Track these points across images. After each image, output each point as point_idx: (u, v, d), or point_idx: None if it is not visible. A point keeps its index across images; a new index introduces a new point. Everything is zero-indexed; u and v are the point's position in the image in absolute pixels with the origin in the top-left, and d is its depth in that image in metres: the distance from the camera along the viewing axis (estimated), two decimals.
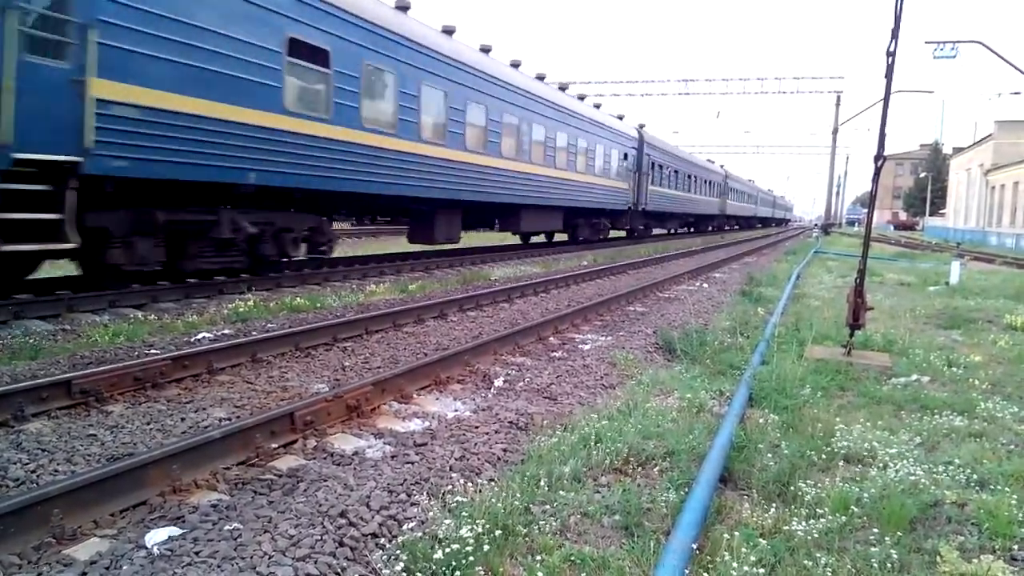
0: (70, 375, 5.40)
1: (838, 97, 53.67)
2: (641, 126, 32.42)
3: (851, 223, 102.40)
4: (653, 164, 31.95)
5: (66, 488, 3.42)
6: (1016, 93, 44.93)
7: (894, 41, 7.00)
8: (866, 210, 8.96)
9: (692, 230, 48.34)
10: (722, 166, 54.32)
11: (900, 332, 8.84)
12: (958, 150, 72.19)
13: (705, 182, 45.18)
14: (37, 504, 3.28)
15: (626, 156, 28.74)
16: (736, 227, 63.86)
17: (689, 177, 40.10)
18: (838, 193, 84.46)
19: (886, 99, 7.29)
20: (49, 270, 12.83)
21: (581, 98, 27.27)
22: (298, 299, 10.41)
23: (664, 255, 22.95)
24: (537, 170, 20.73)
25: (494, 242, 26.29)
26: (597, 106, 28.61)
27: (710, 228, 51.94)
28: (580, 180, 24.09)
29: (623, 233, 33.59)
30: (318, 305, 10.22)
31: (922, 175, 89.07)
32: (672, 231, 44.75)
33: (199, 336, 7.77)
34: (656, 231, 40.46)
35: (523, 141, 19.85)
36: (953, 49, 28.41)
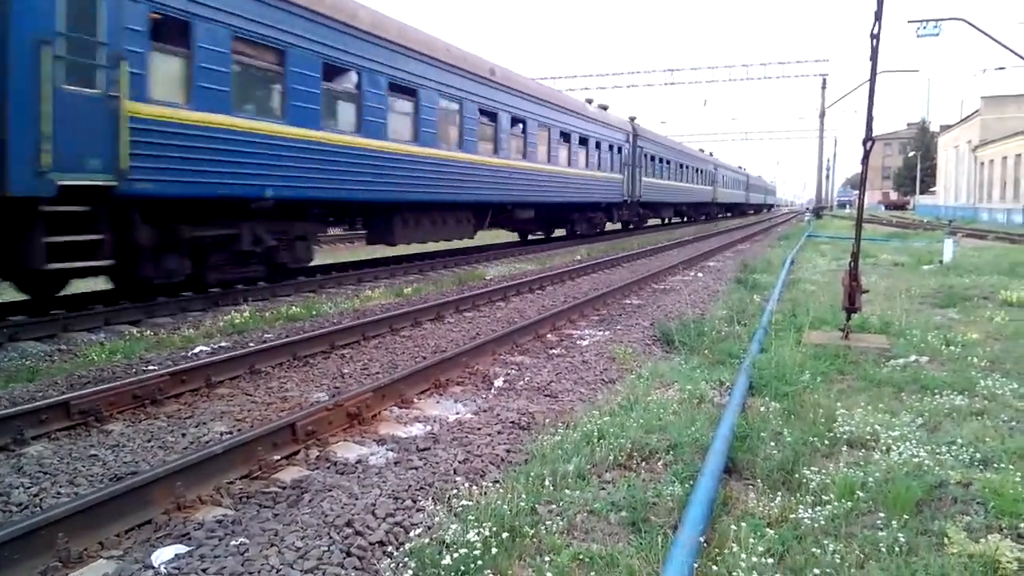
0: (68, 396, 5.37)
1: (824, 80, 53.81)
2: None
3: (842, 205, 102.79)
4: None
5: (70, 511, 3.40)
6: (1001, 68, 45.17)
7: (878, 23, 7.00)
8: (856, 191, 8.97)
9: (574, 233, 26.76)
10: (632, 119, 31.58)
11: (896, 313, 8.85)
12: (945, 128, 72.47)
13: (584, 144, 24.70)
14: (41, 528, 3.26)
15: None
16: (675, 220, 45.17)
17: (516, 124, 19.91)
18: (828, 176, 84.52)
19: (872, 82, 7.29)
20: None
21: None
22: (294, 308, 10.38)
23: (658, 246, 22.94)
24: None
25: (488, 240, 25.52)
26: None
27: (612, 224, 30.80)
28: None
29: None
30: (314, 313, 10.20)
31: (911, 154, 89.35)
32: (541, 237, 26.21)
33: (196, 350, 7.74)
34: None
35: None
36: (936, 27, 28.47)
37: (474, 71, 17.56)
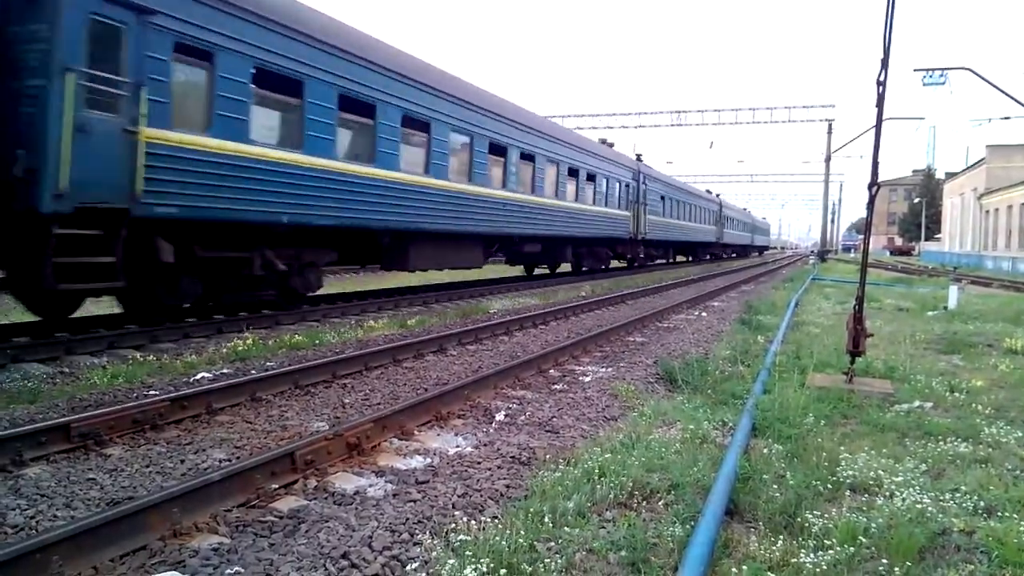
0: (69, 418, 5.37)
1: (829, 125, 54.22)
2: None
3: (847, 249, 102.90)
4: None
5: (65, 534, 3.38)
6: (1006, 118, 45.40)
7: (884, 71, 7.09)
8: (861, 236, 9.02)
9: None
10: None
11: (901, 358, 8.83)
12: (951, 175, 72.78)
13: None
14: (36, 551, 3.24)
15: None
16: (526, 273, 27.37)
17: None
18: (833, 220, 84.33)
19: (878, 128, 7.36)
20: None
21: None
22: (297, 336, 10.38)
23: (663, 284, 22.94)
24: None
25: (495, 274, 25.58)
26: None
27: None
28: None
29: None
30: (317, 342, 10.20)
31: (916, 201, 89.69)
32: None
33: (198, 376, 7.74)
34: None
35: None
36: (942, 76, 28.79)
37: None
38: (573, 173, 24.15)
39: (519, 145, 19.65)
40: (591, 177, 25.90)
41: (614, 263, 32.53)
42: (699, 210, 45.27)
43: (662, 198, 35.59)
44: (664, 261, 42.19)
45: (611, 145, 32.22)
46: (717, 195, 56.10)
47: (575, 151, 24.58)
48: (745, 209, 77.32)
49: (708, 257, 52.11)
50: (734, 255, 61.24)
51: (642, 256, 34.06)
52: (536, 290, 20.41)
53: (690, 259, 48.74)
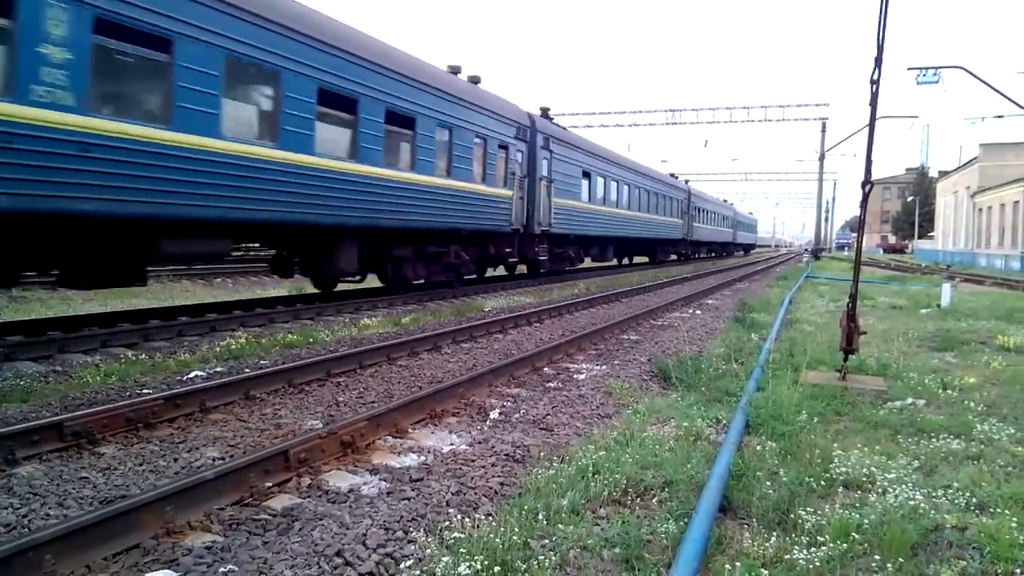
0: (62, 417, 5.34)
1: (823, 124, 54.22)
2: None
3: (841, 247, 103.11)
4: None
5: (58, 533, 3.37)
6: (999, 116, 45.53)
7: (877, 69, 7.11)
8: (855, 234, 9.04)
9: None
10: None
11: (894, 355, 8.85)
12: (944, 173, 73.04)
13: None
14: (28, 550, 3.23)
15: None
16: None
17: None
18: (827, 218, 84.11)
19: (871, 126, 7.38)
20: (41, 310, 12.79)
21: None
22: (291, 335, 10.36)
23: (658, 283, 22.96)
24: None
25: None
26: None
27: None
28: None
29: None
30: (311, 340, 10.18)
31: (909, 199, 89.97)
32: None
33: (191, 375, 7.72)
34: None
35: None
36: (936, 75, 28.88)
37: None
38: (346, 106, 12.64)
39: (185, 34, 9.14)
40: (405, 122, 14.37)
41: (519, 268, 23.08)
42: (655, 197, 33.54)
43: (586, 175, 24.79)
44: (615, 263, 32.79)
45: (477, 81, 18.61)
46: (685, 181, 45.13)
47: (357, 65, 12.60)
48: (726, 200, 66.99)
49: (674, 258, 42.53)
50: (712, 255, 52.69)
51: (543, 258, 22.31)
52: (531, 288, 20.41)
53: (650, 261, 38.89)
